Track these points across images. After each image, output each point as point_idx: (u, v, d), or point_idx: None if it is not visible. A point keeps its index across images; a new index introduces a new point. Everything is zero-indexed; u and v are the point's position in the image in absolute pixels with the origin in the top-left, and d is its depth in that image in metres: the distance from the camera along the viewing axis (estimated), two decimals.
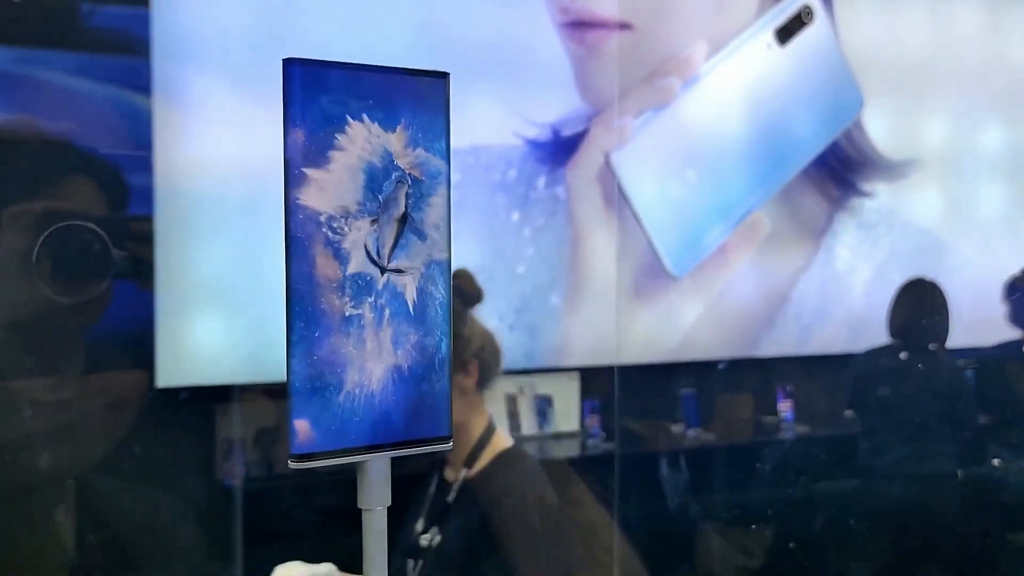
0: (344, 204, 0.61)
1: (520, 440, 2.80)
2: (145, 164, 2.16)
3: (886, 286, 3.07)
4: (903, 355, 2.91)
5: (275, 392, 2.31)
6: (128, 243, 1.94)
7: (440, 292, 0.65)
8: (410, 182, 0.63)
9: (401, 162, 0.63)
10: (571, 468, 2.74)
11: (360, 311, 0.62)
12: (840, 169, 3.02)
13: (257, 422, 2.39)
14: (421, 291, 0.64)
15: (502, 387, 2.79)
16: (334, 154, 0.61)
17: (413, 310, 0.64)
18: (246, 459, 2.34)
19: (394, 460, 0.65)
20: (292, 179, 0.60)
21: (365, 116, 0.62)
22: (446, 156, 0.65)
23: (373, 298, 0.63)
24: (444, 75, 0.65)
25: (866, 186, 3.07)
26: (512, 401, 2.80)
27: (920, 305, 2.95)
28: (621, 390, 2.82)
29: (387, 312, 0.63)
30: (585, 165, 2.66)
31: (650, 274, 2.76)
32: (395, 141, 0.63)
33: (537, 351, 2.66)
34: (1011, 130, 3.26)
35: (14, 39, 2.08)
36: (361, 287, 0.62)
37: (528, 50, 2.62)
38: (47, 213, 1.84)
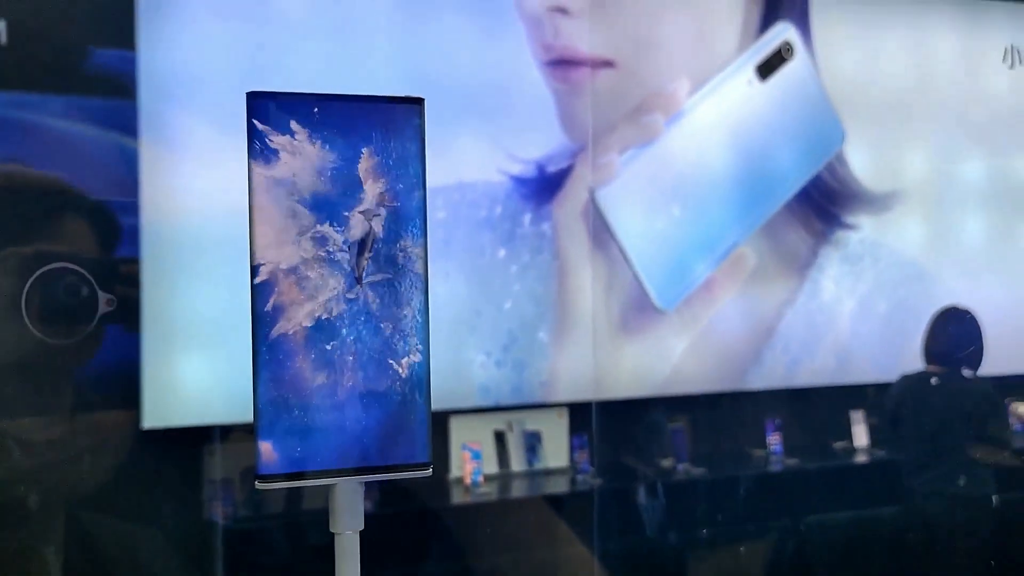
0: (306, 229, 0.62)
1: (510, 476, 2.79)
2: (132, 206, 2.17)
3: (872, 317, 3.09)
4: (934, 380, 2.91)
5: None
6: (116, 285, 1.96)
7: (415, 315, 0.64)
8: (378, 207, 0.63)
9: (369, 187, 0.63)
10: (556, 505, 2.73)
11: (326, 336, 0.63)
12: (823, 202, 3.04)
13: (244, 461, 2.38)
14: (393, 314, 0.63)
15: (490, 423, 2.79)
16: (295, 180, 0.62)
17: (385, 333, 0.63)
18: (233, 498, 2.33)
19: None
20: (254, 207, 0.62)
21: (326, 144, 0.62)
22: (421, 179, 0.64)
23: (340, 322, 0.63)
24: (418, 101, 0.64)
25: (850, 219, 3.09)
26: (500, 437, 2.80)
27: (955, 332, 2.97)
28: (607, 425, 2.82)
29: (357, 335, 0.63)
30: (570, 201, 2.68)
31: (637, 308, 2.78)
32: (361, 166, 0.63)
33: (525, 387, 2.66)
34: (991, 161, 3.29)
35: (2, 83, 2.10)
36: (327, 310, 0.62)
37: (512, 87, 2.65)
38: (36, 255, 1.86)
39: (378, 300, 0.63)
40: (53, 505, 1.91)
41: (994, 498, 2.84)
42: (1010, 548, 2.92)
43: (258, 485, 0.62)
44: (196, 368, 2.27)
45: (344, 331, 0.63)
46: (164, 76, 2.25)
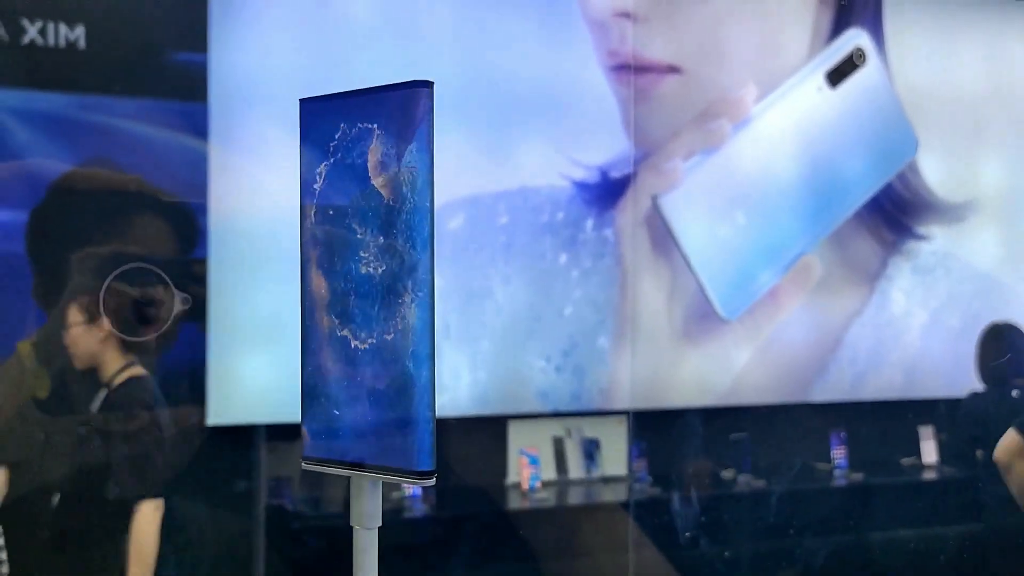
0: (335, 222, 0.64)
1: (567, 483, 2.78)
2: (200, 207, 2.22)
3: (943, 331, 3.00)
4: (1015, 393, 2.82)
5: None
6: (189, 285, 2.01)
7: (420, 314, 0.60)
8: (387, 196, 0.61)
9: (378, 180, 0.62)
10: (619, 512, 2.71)
11: (342, 330, 0.63)
12: (894, 212, 2.97)
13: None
14: (398, 313, 0.61)
15: (549, 429, 2.78)
16: (336, 179, 0.64)
17: (390, 333, 0.61)
18: (292, 495, 2.36)
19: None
20: (304, 203, 0.65)
21: (374, 139, 0.62)
22: (430, 172, 0.61)
23: (354, 317, 0.63)
24: (427, 84, 0.61)
25: (921, 229, 3.02)
26: (559, 443, 2.78)
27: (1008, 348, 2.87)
28: (667, 434, 2.79)
29: (367, 333, 0.62)
30: (633, 207, 2.66)
31: (700, 317, 2.74)
32: (371, 156, 0.62)
33: (584, 393, 2.65)
34: None
35: (80, 86, 2.16)
36: (346, 304, 0.63)
37: (577, 92, 2.64)
38: (114, 256, 1.92)
39: (382, 298, 0.62)
40: (124, 495, 1.96)
41: None
42: None
43: (303, 465, 0.67)
44: (260, 367, 2.31)
45: (354, 327, 0.63)
46: (234, 79, 2.29)
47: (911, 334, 3.03)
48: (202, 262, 2.18)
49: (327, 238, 0.65)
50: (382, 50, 2.43)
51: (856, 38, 2.87)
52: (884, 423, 3.12)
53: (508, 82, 2.55)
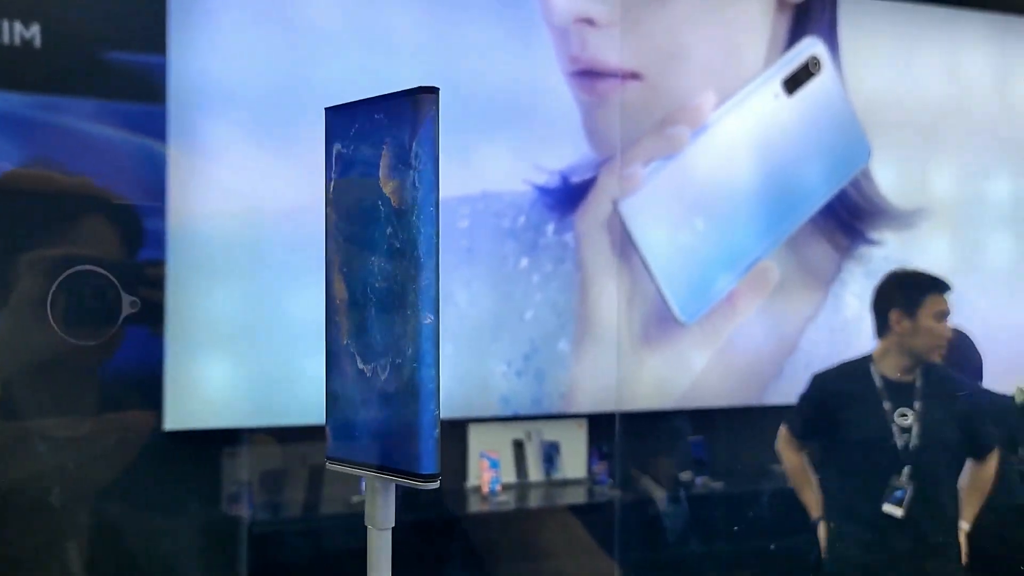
0: (349, 227, 0.65)
1: (527, 486, 2.79)
2: (158, 210, 2.20)
3: None
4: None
5: (282, 435, 2.32)
6: (140, 288, 1.98)
7: (423, 319, 0.60)
8: (396, 202, 0.61)
9: (386, 187, 0.62)
10: (575, 515, 2.73)
11: (355, 333, 0.64)
12: (848, 218, 3.03)
13: (264, 464, 2.39)
14: (404, 317, 0.61)
15: (509, 432, 2.79)
16: (351, 185, 0.65)
17: (398, 338, 0.61)
18: (253, 501, 2.34)
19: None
20: (327, 208, 0.66)
21: (384, 146, 0.63)
22: (434, 177, 0.62)
23: (365, 321, 0.63)
24: (432, 90, 0.63)
25: (874, 235, 3.08)
26: (519, 447, 2.79)
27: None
28: (627, 437, 2.81)
29: (377, 337, 0.63)
30: (594, 212, 2.68)
31: (659, 321, 2.77)
32: (382, 162, 0.63)
33: (544, 397, 2.66)
34: (1019, 180, 3.26)
35: (35, 86, 2.13)
36: (358, 309, 0.64)
37: (538, 98, 2.65)
38: (63, 258, 1.89)
39: (390, 303, 0.62)
40: (76, 502, 1.93)
41: None
42: None
43: (328, 465, 0.68)
44: (218, 371, 2.29)
45: (365, 332, 0.64)
46: (193, 81, 2.27)
47: (863, 337, 3.08)
48: (156, 265, 2.15)
49: (344, 243, 0.66)
50: (346, 55, 2.43)
51: (812, 46, 2.92)
52: None
53: (470, 87, 2.56)
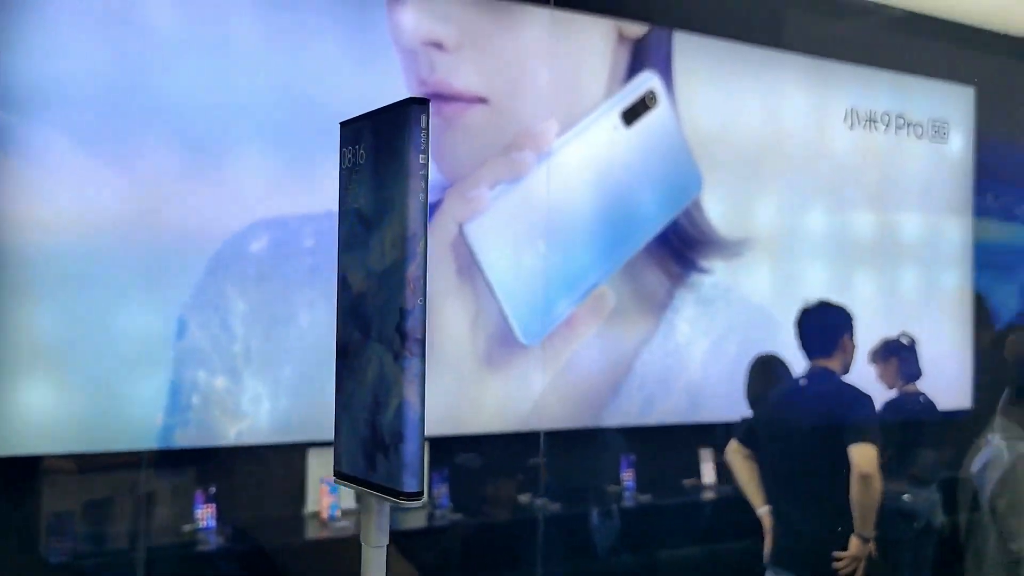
0: (350, 241, 0.67)
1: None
2: None
3: (723, 358, 3.21)
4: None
5: (106, 462, 2.18)
6: None
7: (412, 339, 0.60)
8: (388, 214, 0.61)
9: (381, 194, 0.63)
10: (413, 539, 2.70)
11: (355, 351, 0.64)
12: (680, 246, 3.16)
13: (85, 494, 2.24)
14: (395, 335, 0.60)
15: None
16: (352, 197, 0.67)
17: (388, 355, 0.61)
18: (73, 532, 2.18)
19: None
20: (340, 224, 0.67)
21: (377, 156, 0.64)
22: (422, 189, 0.61)
23: (364, 337, 0.63)
24: (422, 101, 0.63)
25: (704, 263, 3.22)
26: None
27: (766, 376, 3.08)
28: (468, 460, 2.82)
29: (369, 354, 0.63)
30: (438, 234, 2.68)
31: (501, 342, 2.80)
32: (377, 172, 0.64)
33: None
34: (833, 215, 3.51)
35: None
36: (355, 323, 0.64)
37: None
38: None
39: (383, 319, 0.62)
40: None
41: None
42: None
43: (334, 481, 0.69)
44: (40, 394, 2.13)
45: (362, 348, 0.64)
46: (19, 85, 2.12)
47: (694, 361, 3.22)
48: None
49: (346, 256, 0.67)
50: (187, 64, 2.33)
51: (648, 81, 3.04)
52: (668, 446, 3.29)
53: (316, 106, 2.51)
